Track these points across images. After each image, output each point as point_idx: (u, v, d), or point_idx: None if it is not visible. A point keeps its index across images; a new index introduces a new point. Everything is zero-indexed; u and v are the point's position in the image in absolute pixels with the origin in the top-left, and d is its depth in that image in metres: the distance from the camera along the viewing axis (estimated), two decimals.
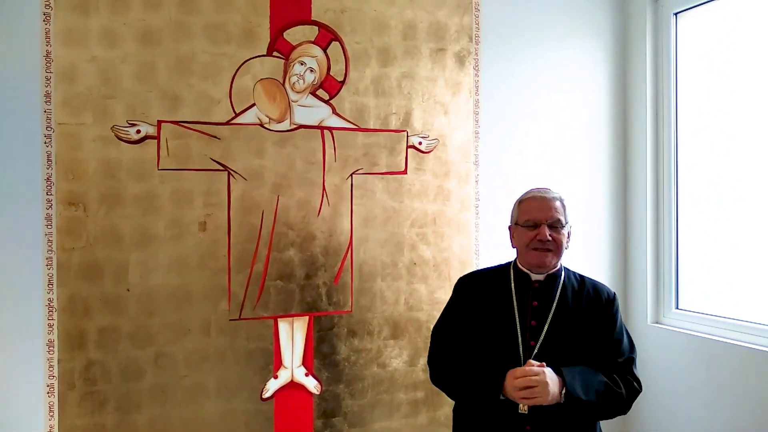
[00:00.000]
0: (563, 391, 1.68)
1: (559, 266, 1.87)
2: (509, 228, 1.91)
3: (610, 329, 1.84)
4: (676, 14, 2.70)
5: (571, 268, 1.94)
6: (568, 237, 1.84)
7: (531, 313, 1.81)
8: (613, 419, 1.84)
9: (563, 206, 1.83)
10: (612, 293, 1.90)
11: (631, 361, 1.84)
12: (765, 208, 2.37)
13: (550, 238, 1.77)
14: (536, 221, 1.79)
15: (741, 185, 2.48)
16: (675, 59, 2.71)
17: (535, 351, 1.78)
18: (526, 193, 1.88)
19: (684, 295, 2.71)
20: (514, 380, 1.68)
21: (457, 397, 1.87)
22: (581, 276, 1.92)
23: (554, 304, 1.82)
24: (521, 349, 1.78)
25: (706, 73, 2.62)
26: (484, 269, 2.01)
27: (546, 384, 1.65)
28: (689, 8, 2.64)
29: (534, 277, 1.85)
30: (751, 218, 2.44)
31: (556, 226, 1.79)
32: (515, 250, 1.90)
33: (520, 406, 1.71)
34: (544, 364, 1.71)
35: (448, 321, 1.94)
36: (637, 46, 2.80)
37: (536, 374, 1.66)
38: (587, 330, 1.81)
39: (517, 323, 1.81)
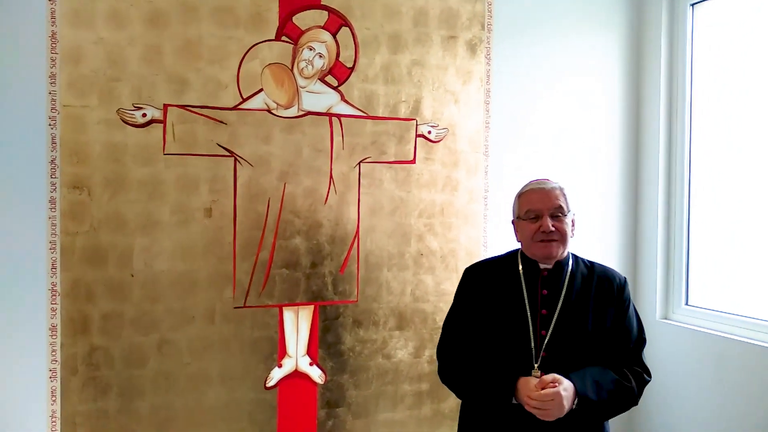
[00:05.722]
0: (575, 400, 1.65)
1: (566, 254, 1.84)
2: (512, 222, 1.88)
3: (621, 317, 1.82)
4: (693, 5, 2.65)
5: (580, 255, 1.90)
6: (573, 225, 1.80)
7: (541, 301, 1.79)
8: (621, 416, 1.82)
9: (564, 194, 1.79)
10: (623, 278, 1.86)
11: (639, 348, 1.82)
12: None
13: (553, 229, 1.74)
14: (537, 212, 1.76)
15: (754, 181, 2.44)
16: (691, 51, 2.66)
17: (546, 339, 1.75)
18: (526, 185, 1.85)
19: (694, 291, 2.67)
20: (527, 399, 1.65)
21: (466, 398, 1.85)
22: (591, 262, 1.88)
23: (563, 292, 1.79)
24: (532, 338, 1.76)
25: (722, 66, 2.57)
26: (491, 258, 1.98)
27: (561, 405, 1.62)
28: None
29: (542, 265, 1.82)
30: (764, 215, 2.40)
31: (558, 215, 1.75)
32: (520, 243, 1.87)
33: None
34: (557, 378, 1.65)
35: (457, 313, 1.91)
36: (653, 37, 2.74)
37: (551, 398, 1.62)
38: (597, 317, 1.79)
39: (528, 312, 1.78)
